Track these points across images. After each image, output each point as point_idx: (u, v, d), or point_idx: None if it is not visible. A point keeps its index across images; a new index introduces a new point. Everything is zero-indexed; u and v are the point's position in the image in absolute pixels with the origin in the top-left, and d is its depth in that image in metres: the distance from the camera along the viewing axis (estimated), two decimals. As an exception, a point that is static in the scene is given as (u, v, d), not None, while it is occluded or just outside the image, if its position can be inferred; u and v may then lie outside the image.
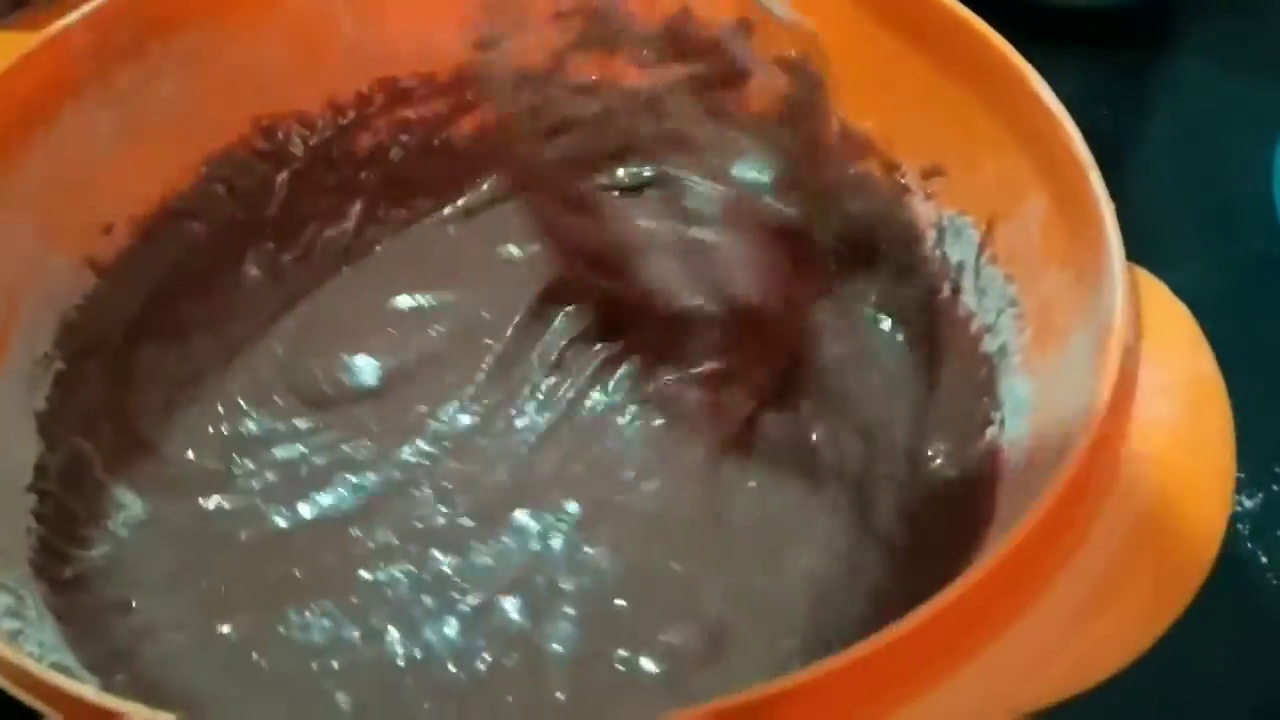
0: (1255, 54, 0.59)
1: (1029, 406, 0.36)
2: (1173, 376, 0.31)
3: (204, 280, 0.44)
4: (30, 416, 0.37)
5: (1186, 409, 0.31)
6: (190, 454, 0.42)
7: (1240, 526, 0.43)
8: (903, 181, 0.43)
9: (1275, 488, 0.44)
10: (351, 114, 0.46)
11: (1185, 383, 0.31)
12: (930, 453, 0.39)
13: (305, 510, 0.40)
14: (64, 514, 0.37)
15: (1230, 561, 0.27)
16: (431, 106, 0.47)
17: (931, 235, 0.42)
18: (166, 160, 0.42)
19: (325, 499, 0.41)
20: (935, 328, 0.41)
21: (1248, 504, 0.44)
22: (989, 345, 0.39)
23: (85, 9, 0.39)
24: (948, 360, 0.41)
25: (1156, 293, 0.33)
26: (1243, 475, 0.44)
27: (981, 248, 0.40)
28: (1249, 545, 0.43)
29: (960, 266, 0.41)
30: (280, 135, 0.45)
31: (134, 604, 0.37)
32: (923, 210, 0.42)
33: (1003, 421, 0.37)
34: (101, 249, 0.41)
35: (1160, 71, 0.59)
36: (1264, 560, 0.42)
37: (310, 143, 0.45)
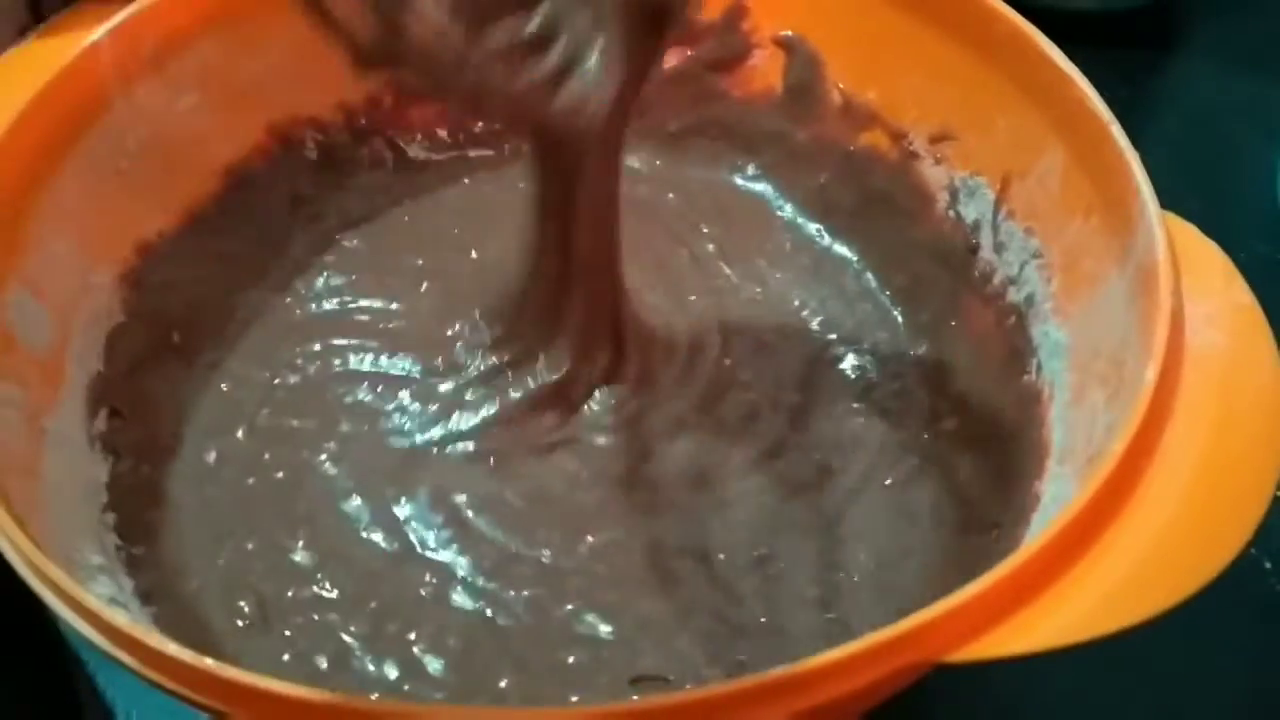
0: (1260, 56, 0.60)
1: (1065, 349, 0.38)
2: (1214, 307, 0.33)
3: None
4: (95, 438, 0.37)
5: (1232, 336, 0.33)
6: None
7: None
8: (910, 148, 0.44)
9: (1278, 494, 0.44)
10: (362, 118, 0.46)
11: (1227, 312, 0.33)
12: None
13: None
14: (138, 529, 0.36)
15: (1233, 567, 0.28)
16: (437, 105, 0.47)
17: (943, 198, 0.44)
18: (189, 172, 0.42)
19: None
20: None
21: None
22: (1015, 295, 0.41)
23: (108, 25, 0.38)
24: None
25: (1186, 232, 0.35)
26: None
27: (998, 205, 0.42)
28: (1253, 551, 0.41)
29: (976, 225, 0.43)
30: (294, 140, 0.45)
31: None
32: (932, 174, 0.44)
33: (1039, 366, 0.39)
34: (136, 266, 0.40)
35: (1165, 74, 0.59)
36: (1268, 565, 0.42)
37: (324, 147, 0.45)
